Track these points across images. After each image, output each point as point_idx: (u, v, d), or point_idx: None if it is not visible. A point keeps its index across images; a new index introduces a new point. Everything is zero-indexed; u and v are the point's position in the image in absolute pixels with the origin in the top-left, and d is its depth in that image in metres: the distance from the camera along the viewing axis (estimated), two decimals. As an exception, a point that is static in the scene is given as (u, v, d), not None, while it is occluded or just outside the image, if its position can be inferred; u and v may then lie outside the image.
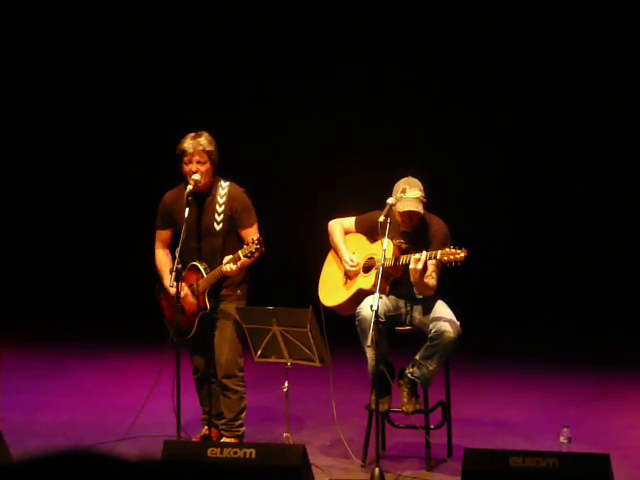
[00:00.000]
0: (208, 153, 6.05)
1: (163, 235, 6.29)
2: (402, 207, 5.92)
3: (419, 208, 5.91)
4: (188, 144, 6.05)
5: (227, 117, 10.11)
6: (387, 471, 5.75)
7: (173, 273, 5.86)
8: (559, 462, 4.84)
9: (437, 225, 6.05)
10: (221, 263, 6.01)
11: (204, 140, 6.06)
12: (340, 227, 6.29)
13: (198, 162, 6.04)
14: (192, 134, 6.10)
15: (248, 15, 10.34)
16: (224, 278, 6.05)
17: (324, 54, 10.17)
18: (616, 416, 7.08)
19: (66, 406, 7.36)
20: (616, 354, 8.73)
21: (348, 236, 6.29)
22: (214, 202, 6.13)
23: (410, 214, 5.94)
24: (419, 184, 5.98)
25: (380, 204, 5.91)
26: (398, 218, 5.99)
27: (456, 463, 5.59)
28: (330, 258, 6.38)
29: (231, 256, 5.91)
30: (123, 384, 8.00)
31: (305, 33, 10.22)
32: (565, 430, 5.60)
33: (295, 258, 8.95)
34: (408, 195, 5.92)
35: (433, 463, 5.99)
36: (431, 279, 5.83)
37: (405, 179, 6.00)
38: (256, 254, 5.83)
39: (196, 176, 6.02)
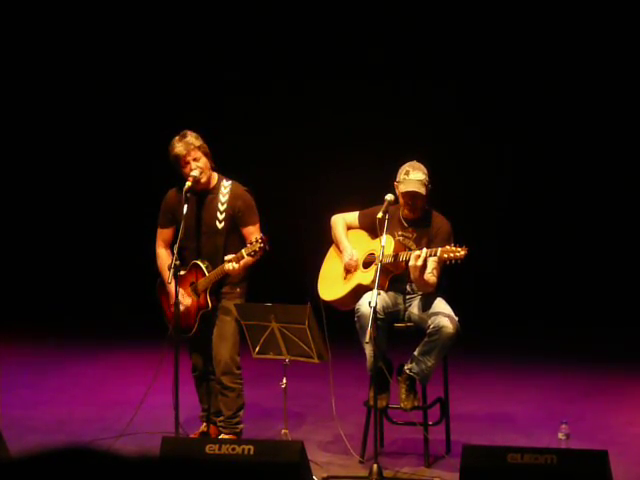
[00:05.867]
0: (199, 148, 6.07)
1: (165, 234, 6.28)
2: (404, 188, 5.94)
3: (421, 190, 5.93)
4: (179, 148, 6.06)
5: (227, 113, 10.11)
6: (385, 467, 5.75)
7: (171, 269, 5.86)
8: (557, 458, 4.84)
9: (441, 222, 6.05)
10: (222, 262, 6.01)
11: (190, 138, 6.08)
12: (343, 222, 6.29)
13: (194, 160, 6.06)
14: (177, 137, 6.11)
15: (248, 13, 10.33)
16: (226, 276, 6.05)
17: (324, 52, 10.17)
18: (614, 413, 7.08)
19: (64, 402, 7.35)
20: (614, 351, 8.74)
21: (350, 232, 6.28)
22: (216, 200, 6.14)
23: (412, 195, 5.94)
24: (423, 168, 6.00)
25: (383, 198, 5.90)
26: (401, 201, 5.99)
27: (454, 459, 5.59)
28: (331, 252, 6.37)
29: (233, 255, 5.91)
30: (122, 380, 8.00)
31: (304, 31, 10.21)
32: (563, 426, 5.60)
33: (295, 254, 8.94)
34: (411, 177, 5.94)
35: (431, 459, 5.99)
36: (432, 276, 5.83)
37: (409, 163, 6.02)
38: (260, 253, 5.83)
39: (195, 172, 6.03)
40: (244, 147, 9.84)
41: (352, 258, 6.15)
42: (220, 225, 6.12)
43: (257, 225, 6.15)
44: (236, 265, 5.89)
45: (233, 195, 6.14)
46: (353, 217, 6.28)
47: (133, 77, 10.57)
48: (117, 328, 9.69)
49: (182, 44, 10.41)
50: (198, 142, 6.08)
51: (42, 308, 10.28)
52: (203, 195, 6.15)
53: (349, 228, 6.29)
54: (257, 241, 5.82)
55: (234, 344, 6.10)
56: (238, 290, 6.16)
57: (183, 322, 6.09)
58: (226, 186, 6.17)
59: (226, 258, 5.92)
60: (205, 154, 6.09)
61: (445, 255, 5.68)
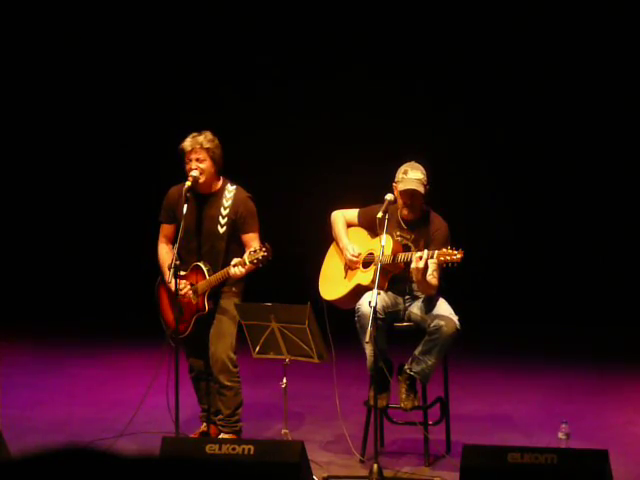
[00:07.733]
0: (207, 150, 6.05)
1: (167, 230, 6.28)
2: (403, 186, 5.94)
3: (420, 188, 5.93)
4: (187, 142, 6.07)
5: (228, 111, 10.11)
6: (385, 467, 5.74)
7: (171, 269, 5.86)
8: (558, 458, 4.84)
9: (439, 224, 6.05)
10: (222, 266, 6.01)
11: (203, 138, 6.07)
12: (343, 219, 6.29)
13: (197, 160, 6.05)
14: (194, 133, 6.11)
15: (249, 12, 10.34)
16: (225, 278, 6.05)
17: (324, 53, 10.17)
18: (615, 412, 7.08)
19: (64, 402, 7.35)
20: (615, 350, 8.74)
21: (349, 229, 6.28)
22: (219, 205, 6.13)
23: (411, 193, 5.94)
24: (422, 168, 6.00)
25: (382, 198, 5.90)
26: (399, 201, 5.99)
27: (454, 459, 5.59)
28: (331, 251, 6.37)
29: (238, 259, 5.90)
30: (121, 380, 8.00)
31: (304, 31, 10.22)
32: (563, 426, 5.60)
33: (295, 254, 8.94)
34: (410, 176, 5.95)
35: (431, 459, 5.99)
36: (433, 278, 5.82)
37: (408, 163, 6.03)
38: (263, 261, 5.82)
39: (194, 172, 6.03)
40: (244, 147, 9.83)
41: (354, 254, 6.14)
42: (222, 230, 6.12)
43: (257, 233, 6.14)
44: (243, 270, 5.88)
45: (236, 201, 6.13)
46: (352, 215, 6.29)
47: (134, 77, 10.57)
48: (117, 328, 9.69)
49: (183, 44, 10.40)
50: (209, 145, 6.06)
51: (42, 308, 10.28)
52: (205, 197, 6.15)
53: (348, 225, 6.29)
54: (261, 249, 5.82)
55: (231, 343, 6.10)
56: (234, 289, 6.16)
57: (179, 323, 6.08)
58: (230, 190, 6.16)
59: (233, 262, 5.91)
60: (212, 158, 6.07)
61: (442, 258, 5.69)
